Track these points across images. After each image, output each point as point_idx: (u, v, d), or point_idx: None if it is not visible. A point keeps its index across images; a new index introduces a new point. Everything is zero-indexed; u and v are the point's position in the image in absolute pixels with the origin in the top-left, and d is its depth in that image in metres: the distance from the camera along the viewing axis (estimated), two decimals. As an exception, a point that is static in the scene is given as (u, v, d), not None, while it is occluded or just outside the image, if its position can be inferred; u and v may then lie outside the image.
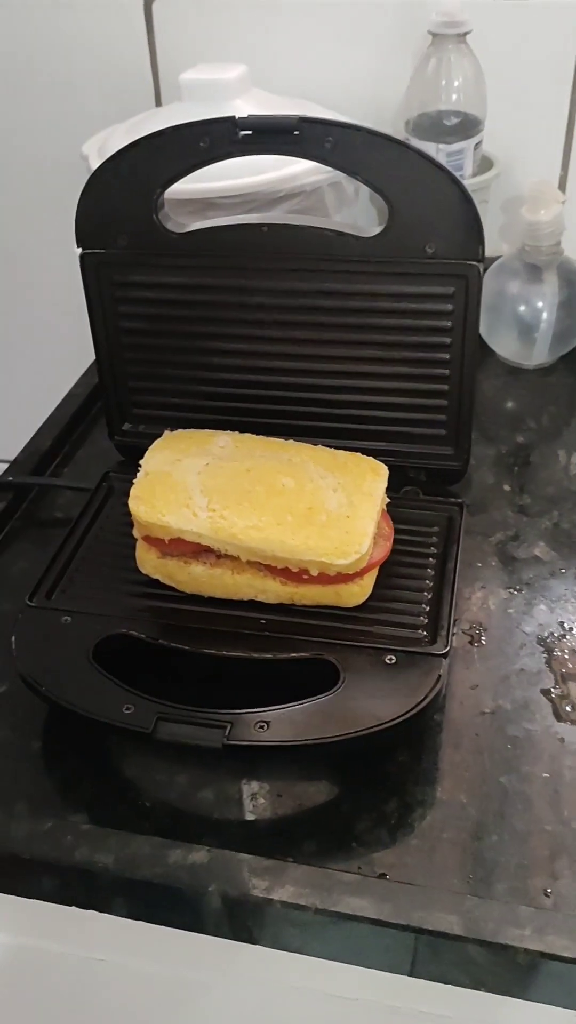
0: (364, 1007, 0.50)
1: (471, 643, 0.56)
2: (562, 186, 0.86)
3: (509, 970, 0.41)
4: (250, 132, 0.54)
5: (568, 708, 0.51)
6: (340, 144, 0.53)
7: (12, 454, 0.72)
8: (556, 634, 0.56)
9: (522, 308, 0.78)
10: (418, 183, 0.53)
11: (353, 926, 0.42)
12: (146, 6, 0.86)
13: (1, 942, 0.54)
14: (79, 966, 0.54)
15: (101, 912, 0.46)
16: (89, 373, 0.81)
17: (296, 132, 0.53)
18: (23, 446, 0.73)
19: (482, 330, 0.80)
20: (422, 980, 0.43)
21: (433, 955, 0.42)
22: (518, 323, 0.78)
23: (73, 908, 0.46)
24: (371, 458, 0.57)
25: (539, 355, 0.79)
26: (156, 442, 0.58)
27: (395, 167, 0.53)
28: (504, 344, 0.80)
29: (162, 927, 0.46)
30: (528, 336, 0.78)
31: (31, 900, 0.47)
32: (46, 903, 0.46)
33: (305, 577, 0.51)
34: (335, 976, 0.47)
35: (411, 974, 0.43)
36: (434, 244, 0.54)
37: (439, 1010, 0.48)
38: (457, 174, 0.77)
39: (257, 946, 0.45)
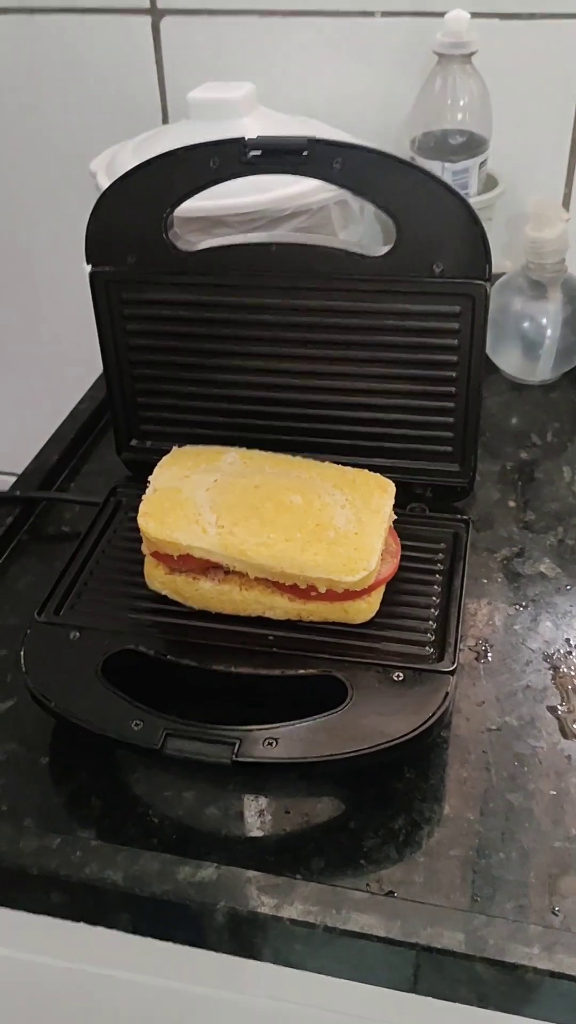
0: None
1: (477, 659, 0.56)
2: (566, 204, 0.86)
3: (516, 988, 0.41)
4: (259, 152, 0.54)
5: (575, 725, 0.52)
6: (348, 165, 0.53)
7: (19, 468, 0.72)
8: (562, 651, 0.56)
9: (526, 325, 0.78)
10: (426, 203, 0.53)
11: (360, 944, 0.42)
12: (154, 24, 0.87)
13: (8, 957, 0.54)
14: (86, 982, 0.54)
15: (109, 928, 0.46)
16: (96, 387, 0.82)
17: (305, 153, 0.54)
18: (30, 460, 0.73)
19: (486, 346, 0.80)
20: (427, 997, 0.43)
21: (435, 972, 0.42)
22: (522, 340, 0.79)
23: (81, 924, 0.46)
24: (378, 475, 0.57)
25: (543, 372, 0.80)
26: (164, 458, 0.59)
27: (403, 187, 0.53)
28: (508, 361, 0.81)
29: (170, 944, 0.46)
30: (532, 353, 0.79)
31: (38, 916, 0.47)
32: (53, 919, 0.47)
33: (313, 594, 0.51)
34: (341, 993, 0.47)
35: (413, 991, 0.43)
36: (441, 263, 0.55)
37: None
38: (462, 192, 0.78)
39: (262, 962, 0.45)
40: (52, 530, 0.68)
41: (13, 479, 0.71)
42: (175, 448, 0.60)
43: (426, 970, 0.42)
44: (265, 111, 0.76)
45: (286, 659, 0.50)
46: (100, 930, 0.46)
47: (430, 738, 0.47)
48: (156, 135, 0.77)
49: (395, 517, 0.56)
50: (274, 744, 0.46)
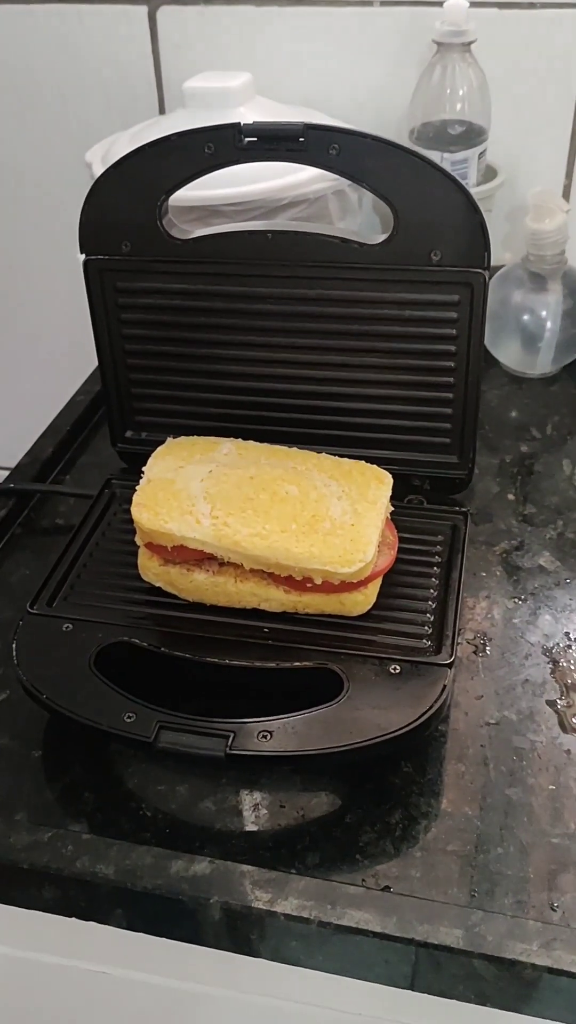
0: (365, 1022, 0.49)
1: (475, 653, 0.55)
2: (566, 195, 0.86)
3: (514, 985, 0.41)
4: (255, 139, 0.54)
5: (574, 720, 0.51)
6: (345, 151, 0.53)
7: (14, 461, 0.71)
8: (561, 645, 0.55)
9: (526, 317, 0.77)
10: (424, 190, 0.53)
11: (355, 939, 0.41)
12: (150, 14, 0.86)
13: (1, 955, 0.54)
14: (80, 979, 0.53)
15: (102, 924, 0.45)
16: (91, 380, 0.81)
17: (301, 139, 0.53)
18: (25, 452, 0.72)
19: (486, 339, 0.79)
20: (424, 994, 0.43)
21: (434, 969, 0.41)
22: (522, 332, 0.78)
23: (74, 919, 0.46)
24: (375, 466, 0.56)
25: (543, 364, 0.79)
26: (159, 449, 0.58)
27: (401, 174, 0.53)
28: (508, 353, 0.80)
29: (163, 939, 0.45)
30: (532, 345, 0.78)
31: (31, 911, 0.46)
32: (46, 915, 0.46)
33: (309, 585, 0.51)
34: (337, 990, 0.46)
35: (411, 988, 0.43)
36: (439, 252, 0.54)
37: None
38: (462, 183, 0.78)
39: (259, 959, 0.44)
40: (46, 523, 0.68)
41: (7, 472, 0.70)
42: (170, 439, 0.59)
43: (423, 966, 0.41)
44: (262, 100, 0.76)
45: (281, 651, 0.50)
46: (93, 926, 0.46)
47: (427, 731, 0.47)
48: (153, 125, 0.76)
49: (392, 509, 0.56)
50: (268, 737, 0.45)
